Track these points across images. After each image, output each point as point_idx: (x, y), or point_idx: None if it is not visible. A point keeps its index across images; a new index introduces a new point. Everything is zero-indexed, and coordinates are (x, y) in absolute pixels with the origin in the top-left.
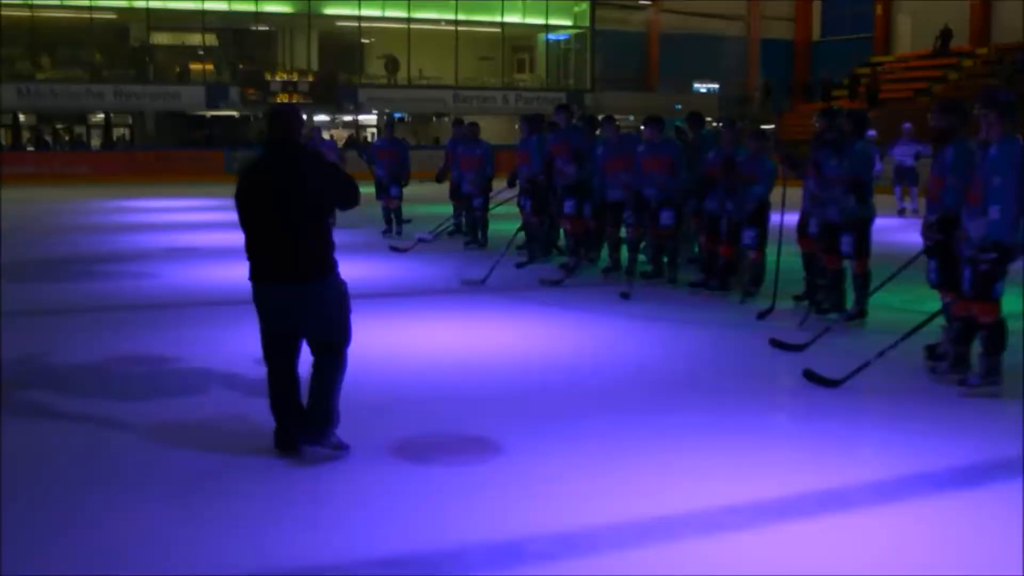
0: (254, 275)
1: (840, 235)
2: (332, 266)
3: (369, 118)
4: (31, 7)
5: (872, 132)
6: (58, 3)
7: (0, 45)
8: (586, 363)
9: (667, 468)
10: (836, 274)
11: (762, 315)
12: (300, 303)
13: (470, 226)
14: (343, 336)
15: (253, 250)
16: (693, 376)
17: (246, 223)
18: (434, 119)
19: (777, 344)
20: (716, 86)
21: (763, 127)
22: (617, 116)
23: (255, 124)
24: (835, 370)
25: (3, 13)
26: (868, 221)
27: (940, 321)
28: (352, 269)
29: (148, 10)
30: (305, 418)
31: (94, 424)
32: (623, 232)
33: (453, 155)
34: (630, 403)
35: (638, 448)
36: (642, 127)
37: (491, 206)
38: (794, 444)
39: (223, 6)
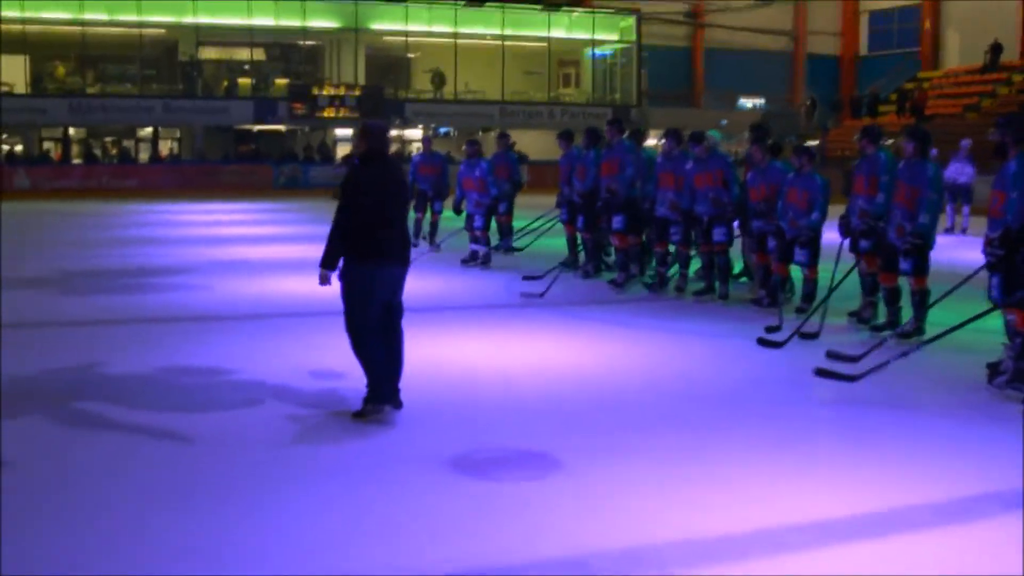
0: (375, 258)
1: (899, 255)
2: None
3: (415, 132)
4: (82, 23)
5: (934, 151)
6: (108, 19)
7: (52, 59)
8: (642, 378)
9: (726, 485)
10: (893, 292)
11: (770, 329)
12: (403, 278)
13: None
14: None
15: (376, 239)
16: (746, 392)
17: (368, 217)
18: (480, 133)
19: (826, 374)
20: (762, 101)
21: (808, 143)
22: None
23: (302, 138)
24: (887, 388)
25: (54, 29)
26: (930, 243)
27: (1002, 338)
28: (413, 283)
29: (197, 26)
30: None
31: (147, 435)
32: (671, 247)
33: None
34: (685, 418)
35: (695, 463)
36: (689, 144)
37: (533, 222)
38: (853, 462)
39: (271, 21)
